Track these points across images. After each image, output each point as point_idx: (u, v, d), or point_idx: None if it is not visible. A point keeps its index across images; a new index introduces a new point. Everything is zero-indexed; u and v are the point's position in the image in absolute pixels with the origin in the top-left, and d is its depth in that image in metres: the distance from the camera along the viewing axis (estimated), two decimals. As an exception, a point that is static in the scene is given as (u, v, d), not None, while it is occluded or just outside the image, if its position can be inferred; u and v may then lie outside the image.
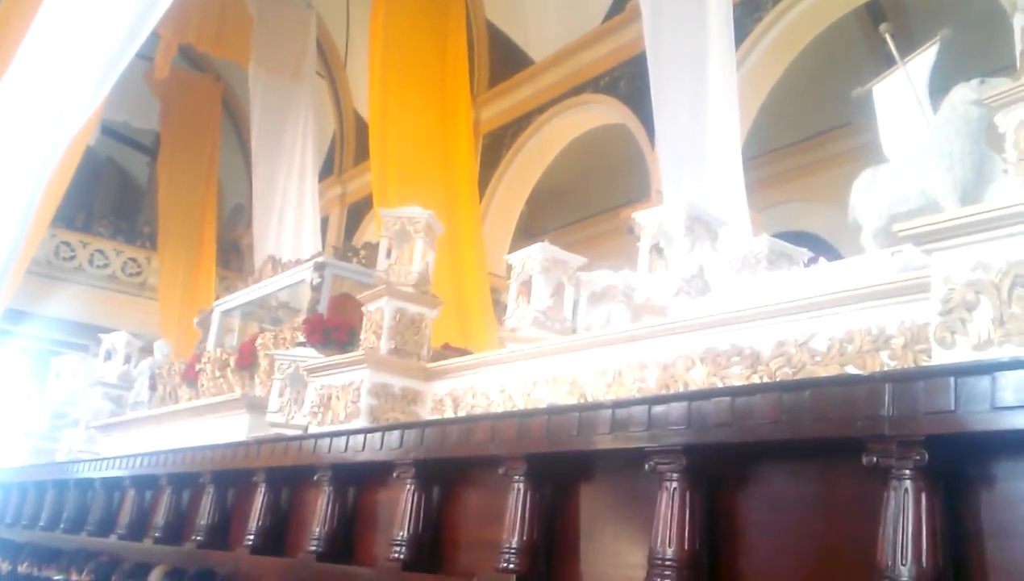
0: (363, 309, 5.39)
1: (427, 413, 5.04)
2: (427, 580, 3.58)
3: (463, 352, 5.97)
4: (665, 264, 4.34)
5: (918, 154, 3.62)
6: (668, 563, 2.58)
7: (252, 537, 4.71)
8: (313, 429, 5.27)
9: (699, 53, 7.56)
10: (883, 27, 4.16)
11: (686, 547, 2.58)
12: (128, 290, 18.60)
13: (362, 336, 5.33)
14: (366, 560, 4.11)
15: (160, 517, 5.79)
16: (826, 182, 10.81)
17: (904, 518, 2.11)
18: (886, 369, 2.95)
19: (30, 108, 7.52)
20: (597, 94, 11.82)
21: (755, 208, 7.57)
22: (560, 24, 12.47)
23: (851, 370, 3.06)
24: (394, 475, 3.82)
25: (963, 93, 3.43)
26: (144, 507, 6.29)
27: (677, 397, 2.81)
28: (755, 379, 3.34)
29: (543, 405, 4.16)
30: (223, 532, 5.22)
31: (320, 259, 7.56)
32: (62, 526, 7.22)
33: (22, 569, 6.69)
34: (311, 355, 5.81)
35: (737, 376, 3.43)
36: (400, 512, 3.72)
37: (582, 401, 4.03)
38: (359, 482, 4.29)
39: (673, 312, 3.94)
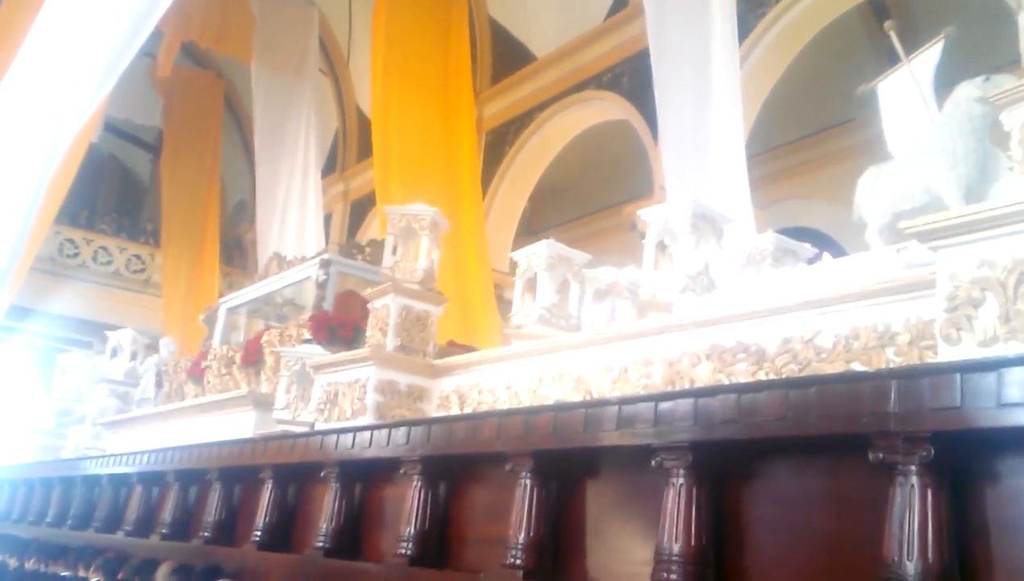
0: (369, 306, 5.41)
1: (433, 410, 5.06)
2: (434, 576, 3.60)
3: (468, 349, 5.99)
4: (670, 261, 4.35)
5: (922, 151, 3.63)
6: (675, 559, 2.60)
7: (259, 533, 4.73)
8: (319, 426, 5.29)
9: (702, 49, 7.56)
10: (887, 24, 4.16)
11: (692, 543, 2.60)
12: (132, 287, 18.64)
13: (368, 333, 5.35)
14: (373, 556, 4.12)
15: (167, 513, 5.82)
16: (829, 178, 10.81)
17: (910, 514, 2.12)
18: (892, 366, 2.96)
19: (33, 105, 7.55)
20: (600, 90, 11.82)
21: (758, 204, 7.58)
22: (562, 20, 12.46)
23: (857, 367, 3.07)
24: (401, 471, 3.83)
25: (967, 90, 3.44)
26: (151, 503, 6.31)
27: (683, 394, 2.82)
28: (761, 376, 3.35)
29: (549, 402, 4.18)
30: (230, 528, 5.24)
31: (325, 256, 7.59)
32: (69, 522, 7.25)
33: (29, 565, 6.71)
34: (317, 352, 5.83)
35: (743, 373, 3.44)
36: (407, 508, 3.73)
37: (588, 398, 4.05)
38: (366, 478, 4.31)
39: (679, 309, 3.96)
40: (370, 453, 4.06)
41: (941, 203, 3.39)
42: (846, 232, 9.78)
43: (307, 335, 6.29)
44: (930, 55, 3.89)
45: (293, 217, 14.29)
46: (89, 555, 5.97)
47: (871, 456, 2.21)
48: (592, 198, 14.38)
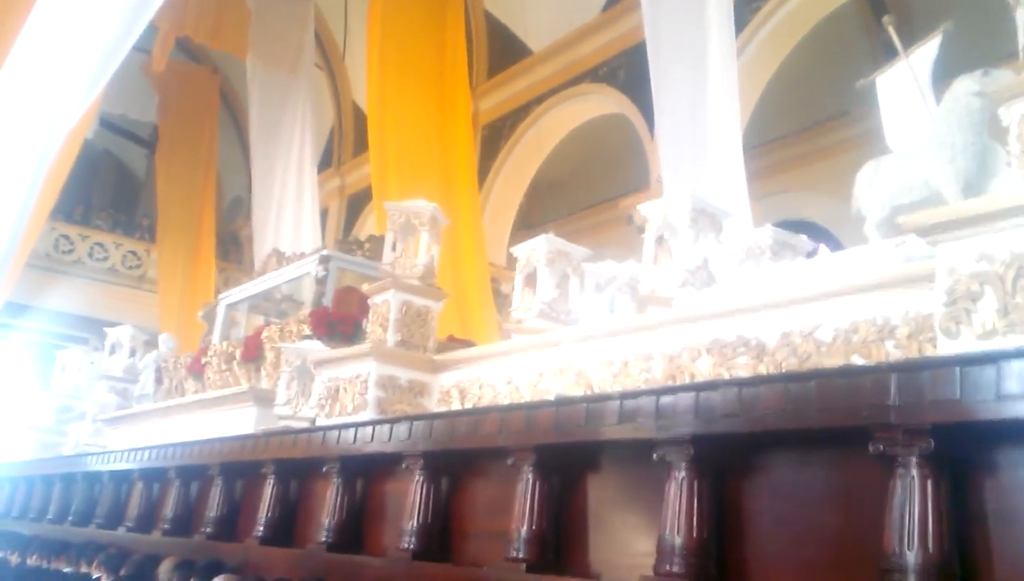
0: (369, 302, 5.43)
1: (434, 405, 5.09)
2: (437, 570, 3.62)
3: (468, 344, 6.01)
4: (669, 256, 4.37)
5: (921, 145, 3.65)
6: (677, 551, 2.62)
7: (261, 529, 4.75)
8: (320, 421, 5.31)
9: (699, 42, 7.56)
10: (886, 19, 4.17)
11: (694, 536, 2.62)
12: (128, 283, 18.62)
13: (368, 329, 5.36)
14: (375, 551, 4.15)
15: (169, 509, 5.84)
16: (825, 171, 10.82)
17: (910, 505, 2.15)
18: (891, 359, 2.98)
19: (28, 101, 7.52)
20: (596, 84, 11.81)
21: (754, 197, 7.58)
22: (558, 14, 12.45)
23: (856, 360, 3.09)
24: (403, 466, 3.86)
25: (966, 84, 3.46)
26: (152, 500, 6.33)
27: (685, 388, 2.84)
28: (761, 370, 3.38)
29: (550, 396, 4.20)
30: (232, 524, 5.26)
31: (325, 252, 7.59)
32: (70, 519, 7.27)
33: (31, 562, 6.72)
34: (318, 348, 5.84)
35: (743, 367, 3.47)
36: (409, 503, 3.76)
37: (589, 392, 4.07)
38: (368, 473, 4.33)
39: (679, 303, 3.98)
40: (372, 448, 4.08)
41: (940, 197, 3.41)
42: (843, 225, 9.81)
43: (307, 331, 6.31)
44: (928, 49, 3.91)
45: (289, 212, 14.26)
46: (91, 551, 5.98)
47: (871, 449, 2.24)
48: (589, 192, 14.38)
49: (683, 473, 2.68)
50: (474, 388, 4.85)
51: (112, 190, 22.41)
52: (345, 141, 17.23)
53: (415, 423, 3.83)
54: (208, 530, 5.26)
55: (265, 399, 6.70)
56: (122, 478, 6.77)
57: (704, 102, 7.36)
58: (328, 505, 4.29)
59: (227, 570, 4.63)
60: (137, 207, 21.57)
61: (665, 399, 2.78)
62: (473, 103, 12.97)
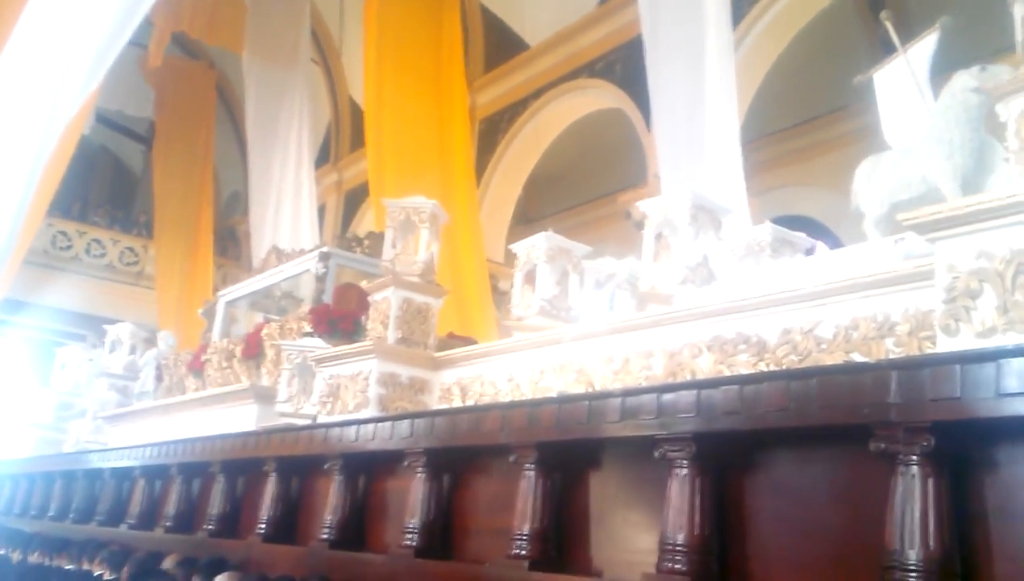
0: (369, 299, 5.44)
1: (435, 402, 5.10)
2: (439, 567, 3.64)
3: (469, 341, 6.02)
4: (668, 252, 4.38)
5: (919, 142, 3.66)
6: (678, 548, 2.64)
7: (263, 526, 4.77)
8: (322, 418, 5.32)
9: (696, 37, 7.56)
10: (884, 15, 4.18)
11: (696, 532, 2.64)
12: (126, 279, 18.61)
13: (369, 326, 5.37)
14: (378, 548, 4.16)
15: (171, 507, 5.85)
16: (822, 166, 10.84)
17: (911, 503, 2.17)
18: (891, 356, 3.00)
19: (24, 96, 7.51)
20: (593, 79, 11.81)
21: (751, 192, 7.60)
22: (555, 8, 12.43)
23: (856, 357, 3.11)
24: (405, 464, 3.87)
25: (963, 80, 3.47)
26: (154, 497, 6.34)
27: (686, 385, 2.86)
28: (761, 367, 3.39)
29: (551, 393, 4.22)
30: (234, 521, 5.28)
31: (324, 249, 7.59)
32: (71, 516, 7.28)
33: (33, 559, 6.74)
34: (318, 345, 5.85)
35: (744, 364, 3.48)
36: (411, 500, 3.77)
37: (590, 389, 4.09)
38: (369, 471, 4.34)
39: (679, 301, 4.00)
40: (373, 445, 4.09)
41: (938, 193, 3.42)
42: (840, 220, 9.82)
43: (307, 328, 6.31)
44: (926, 45, 3.92)
45: (287, 208, 14.25)
46: (93, 549, 5.99)
47: (872, 446, 2.25)
48: (586, 187, 14.39)
49: (685, 470, 2.69)
50: (475, 385, 4.86)
51: (109, 186, 22.39)
52: (342, 137, 17.21)
53: (417, 420, 3.84)
54: (210, 527, 5.28)
55: (266, 396, 6.71)
56: (123, 475, 6.78)
57: (701, 97, 7.36)
58: (330, 502, 4.31)
59: (230, 567, 4.65)
60: (134, 203, 21.54)
61: (667, 396, 2.79)
62: (470, 98, 12.96)
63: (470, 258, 10.93)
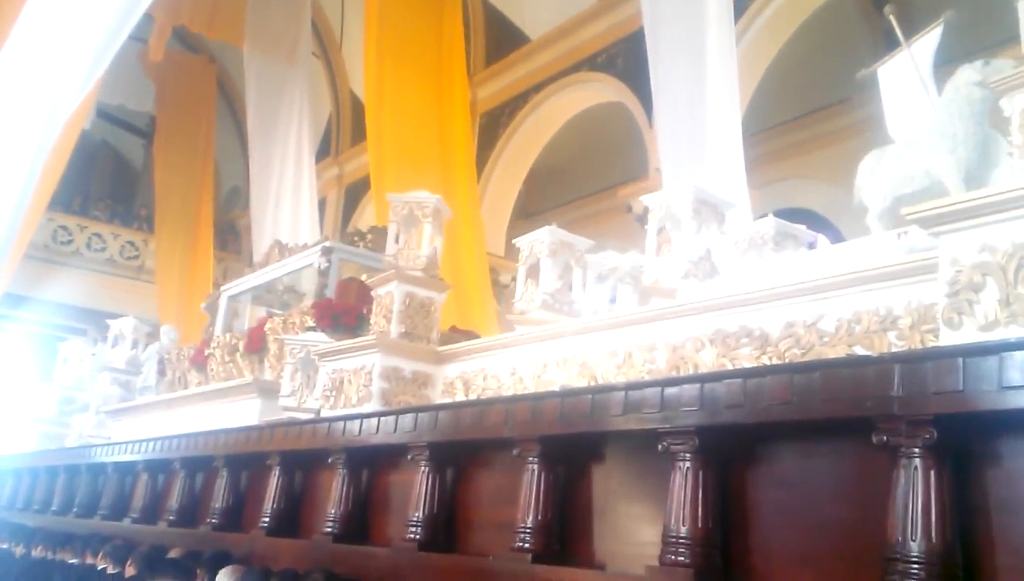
0: (373, 293, 5.45)
1: (438, 396, 5.11)
2: (443, 560, 3.66)
3: (471, 335, 6.04)
4: (670, 246, 4.39)
5: (922, 136, 3.66)
6: (682, 541, 2.66)
7: (267, 519, 4.79)
8: (325, 413, 5.34)
9: (697, 30, 7.55)
10: (887, 9, 4.18)
11: (699, 525, 2.66)
12: (126, 274, 18.62)
13: (372, 320, 5.38)
14: (381, 541, 4.19)
15: (174, 501, 5.88)
16: (823, 159, 10.84)
17: (913, 495, 2.18)
18: (894, 349, 3.01)
19: (24, 91, 7.50)
20: (594, 72, 11.79)
21: (752, 185, 7.60)
22: (556, 1, 12.40)
23: (859, 350, 3.12)
24: (408, 457, 3.89)
25: (967, 75, 3.47)
26: (157, 491, 6.37)
27: (689, 379, 2.87)
28: (764, 360, 3.40)
29: (554, 387, 4.23)
30: (237, 515, 5.30)
31: (327, 244, 7.60)
32: (74, 510, 7.31)
33: (36, 553, 6.76)
34: (321, 339, 5.86)
35: (746, 357, 3.49)
36: (415, 494, 3.79)
37: (593, 383, 4.10)
38: (373, 465, 4.36)
39: (682, 294, 4.00)
40: (377, 439, 4.11)
41: (941, 187, 3.43)
42: (841, 213, 9.83)
43: (310, 322, 6.33)
44: (929, 39, 3.92)
45: (287, 202, 14.26)
46: (96, 542, 6.02)
47: (875, 439, 2.26)
48: (587, 180, 14.38)
49: (688, 463, 2.71)
50: (478, 379, 4.88)
51: (110, 180, 22.38)
52: (343, 130, 17.19)
53: (420, 414, 3.85)
54: (214, 521, 5.30)
55: (269, 391, 6.73)
56: (127, 470, 6.80)
57: (703, 91, 7.36)
58: (334, 496, 4.33)
59: (234, 560, 4.67)
60: (135, 197, 21.54)
61: (670, 390, 2.80)
62: (471, 91, 12.95)
63: (471, 252, 10.93)
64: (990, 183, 3.23)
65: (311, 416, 5.51)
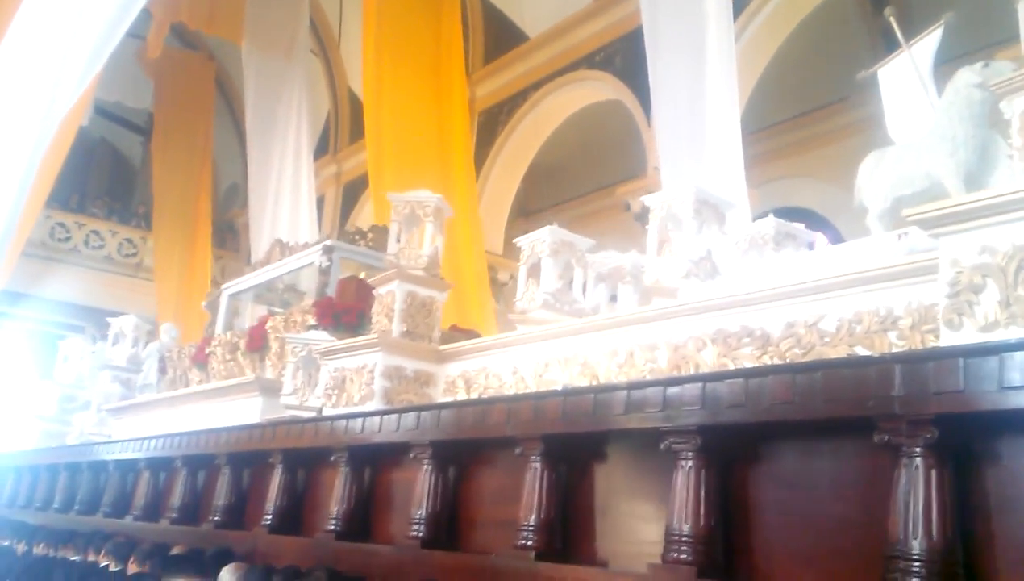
0: (374, 292, 5.47)
1: (440, 395, 5.13)
2: (445, 558, 3.68)
3: (472, 334, 6.06)
4: (671, 246, 4.41)
5: (922, 137, 3.69)
6: (684, 539, 2.68)
7: (269, 517, 4.81)
8: (327, 411, 5.36)
9: (696, 28, 7.56)
10: (887, 11, 4.20)
11: (701, 524, 2.68)
12: (124, 271, 18.59)
13: (374, 319, 5.40)
14: (383, 539, 4.21)
15: (176, 498, 5.90)
16: (821, 158, 10.87)
17: (914, 494, 2.21)
18: (894, 350, 3.03)
19: (22, 87, 7.49)
20: (592, 70, 11.81)
21: (751, 184, 7.61)
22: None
23: (860, 350, 3.14)
24: (411, 456, 3.91)
25: (967, 76, 3.49)
26: (159, 489, 6.39)
27: (692, 378, 2.89)
28: (765, 360, 3.42)
29: (555, 386, 4.25)
30: (239, 512, 5.32)
31: (328, 242, 7.61)
32: (76, 508, 7.32)
33: (38, 550, 6.78)
34: (323, 338, 5.88)
35: (748, 357, 3.52)
36: (417, 492, 3.82)
37: (595, 382, 4.12)
38: (375, 463, 4.39)
39: (683, 294, 4.03)
40: (380, 438, 4.13)
41: (941, 188, 3.45)
42: (839, 212, 9.86)
43: (312, 321, 6.34)
44: (929, 41, 3.94)
45: (286, 199, 14.24)
46: (99, 540, 6.03)
47: (876, 439, 2.29)
48: (586, 179, 14.40)
49: (690, 463, 2.73)
50: (480, 378, 4.90)
51: (108, 178, 22.32)
52: (341, 128, 17.18)
53: (423, 413, 3.88)
54: (216, 519, 5.32)
55: (271, 389, 6.74)
56: (128, 467, 6.82)
57: (702, 89, 7.37)
58: (336, 494, 4.35)
59: (236, 558, 4.69)
60: (133, 195, 21.51)
61: (672, 390, 2.83)
62: (469, 90, 12.95)
63: (469, 250, 10.93)
64: (990, 185, 3.25)
65: (313, 414, 5.53)
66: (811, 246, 4.86)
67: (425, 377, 5.13)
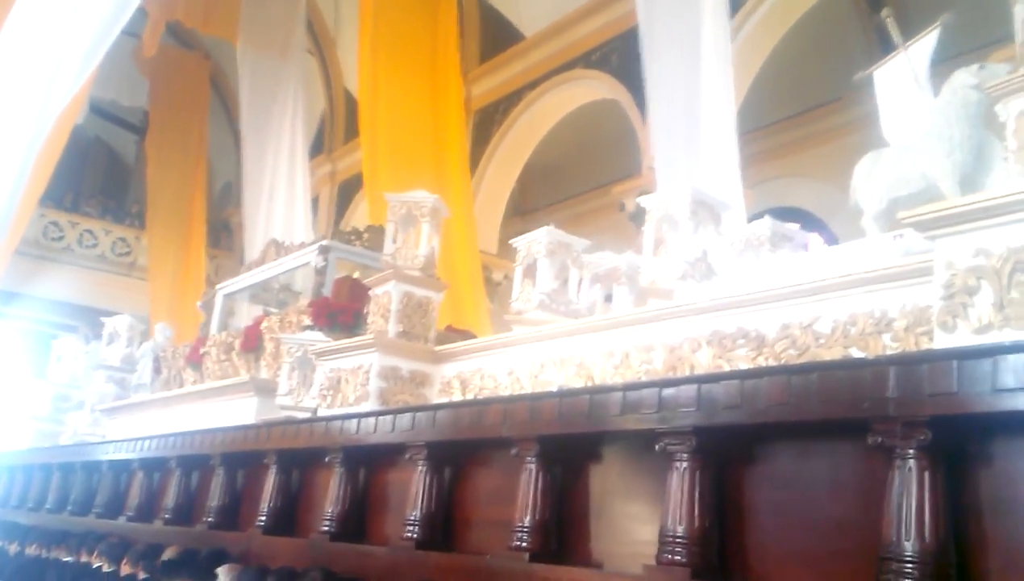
0: (370, 293, 5.46)
1: (435, 395, 5.13)
2: (440, 559, 3.68)
3: (468, 334, 6.06)
4: (665, 246, 4.41)
5: (918, 138, 3.69)
6: (679, 540, 2.69)
7: (264, 518, 4.80)
8: (322, 412, 5.35)
9: (692, 27, 7.57)
10: (885, 12, 4.20)
11: (696, 525, 2.68)
12: (118, 270, 18.54)
13: (370, 319, 5.40)
14: (378, 540, 4.20)
15: (170, 499, 5.88)
16: (816, 158, 10.88)
17: (908, 496, 2.21)
18: (889, 352, 3.04)
19: (17, 86, 7.48)
20: (588, 69, 11.81)
21: (746, 184, 7.62)
22: (551, -2, 12.42)
23: (855, 352, 3.15)
24: (406, 456, 3.90)
25: (963, 78, 3.50)
26: (153, 489, 6.37)
27: (687, 380, 2.89)
28: (760, 361, 3.43)
29: (551, 387, 4.25)
30: (234, 513, 5.31)
31: (324, 242, 7.60)
32: (69, 508, 7.29)
33: (30, 551, 6.76)
34: (318, 338, 5.87)
35: (743, 358, 3.52)
36: (412, 493, 3.81)
37: (590, 383, 4.13)
38: (370, 463, 4.38)
39: (679, 295, 4.03)
40: (375, 439, 4.13)
41: (937, 190, 3.46)
42: (834, 212, 9.87)
43: (307, 321, 6.33)
44: (926, 43, 3.95)
45: (281, 199, 14.23)
46: (92, 540, 6.02)
47: (870, 440, 2.30)
48: (581, 178, 14.39)
49: (685, 464, 2.73)
50: (475, 379, 4.90)
51: (102, 176, 22.25)
52: (336, 127, 17.15)
53: (418, 414, 3.87)
54: (210, 519, 5.31)
55: (266, 389, 6.73)
56: (122, 468, 6.80)
57: (697, 88, 7.37)
58: (331, 495, 4.34)
59: (230, 559, 4.68)
60: (127, 194, 21.45)
61: (667, 391, 2.83)
62: (465, 89, 12.95)
63: (463, 250, 10.93)
64: (986, 187, 3.26)
65: (308, 415, 5.52)
66: (804, 247, 4.87)
67: (421, 378, 5.13)
